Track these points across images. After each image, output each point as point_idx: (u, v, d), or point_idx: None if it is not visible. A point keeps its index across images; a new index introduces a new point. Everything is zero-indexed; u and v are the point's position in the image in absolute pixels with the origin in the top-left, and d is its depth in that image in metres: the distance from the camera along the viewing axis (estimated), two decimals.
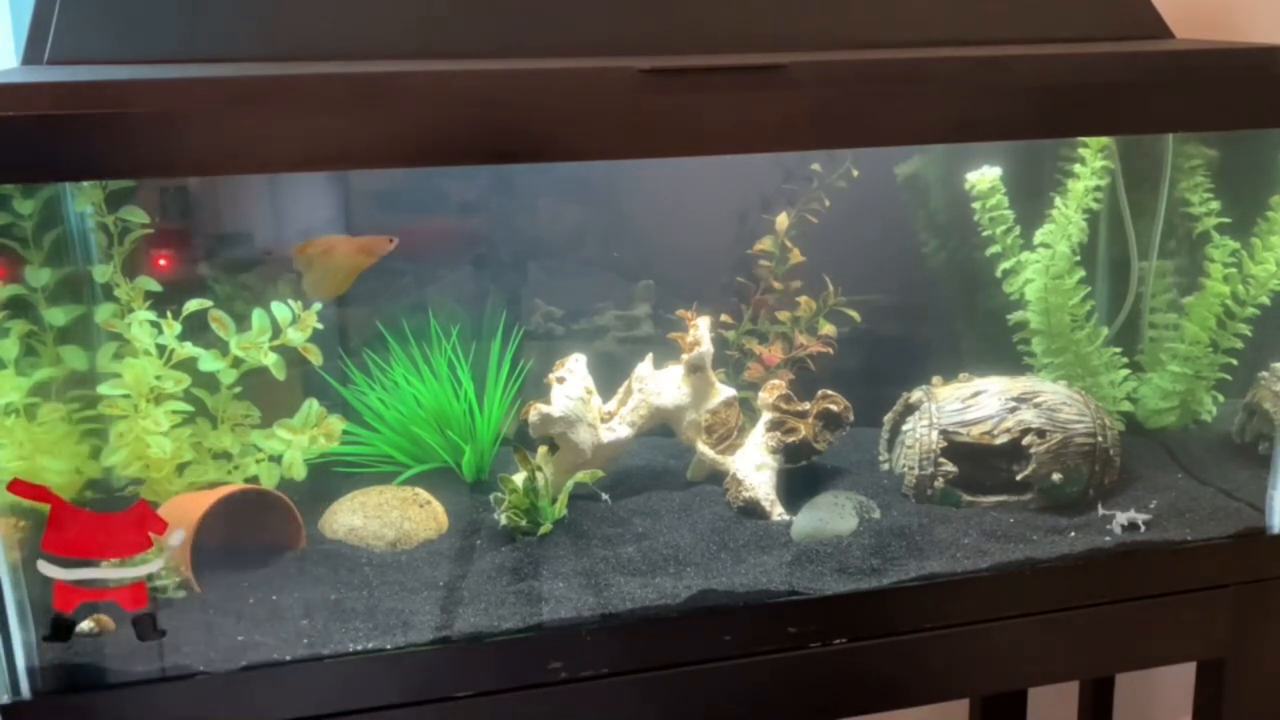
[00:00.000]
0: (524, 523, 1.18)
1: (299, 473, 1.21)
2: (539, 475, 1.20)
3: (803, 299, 1.38)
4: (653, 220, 1.42)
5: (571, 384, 1.26)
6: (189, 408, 1.18)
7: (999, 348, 1.41)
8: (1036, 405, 1.25)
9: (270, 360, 1.18)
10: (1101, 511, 1.22)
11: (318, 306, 1.20)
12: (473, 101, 0.94)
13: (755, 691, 1.10)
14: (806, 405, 1.29)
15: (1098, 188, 1.33)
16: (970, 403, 1.27)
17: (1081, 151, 1.33)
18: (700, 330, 1.28)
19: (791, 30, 1.19)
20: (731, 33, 1.17)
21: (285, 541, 1.17)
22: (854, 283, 1.39)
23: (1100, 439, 1.24)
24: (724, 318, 1.38)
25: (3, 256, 1.10)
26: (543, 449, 1.24)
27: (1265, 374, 1.35)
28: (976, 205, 1.35)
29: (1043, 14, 1.25)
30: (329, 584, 1.11)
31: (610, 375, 1.31)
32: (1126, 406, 1.41)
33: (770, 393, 1.29)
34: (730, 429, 1.31)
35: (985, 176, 1.33)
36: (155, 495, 1.16)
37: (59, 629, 0.98)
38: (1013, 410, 1.25)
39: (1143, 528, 1.20)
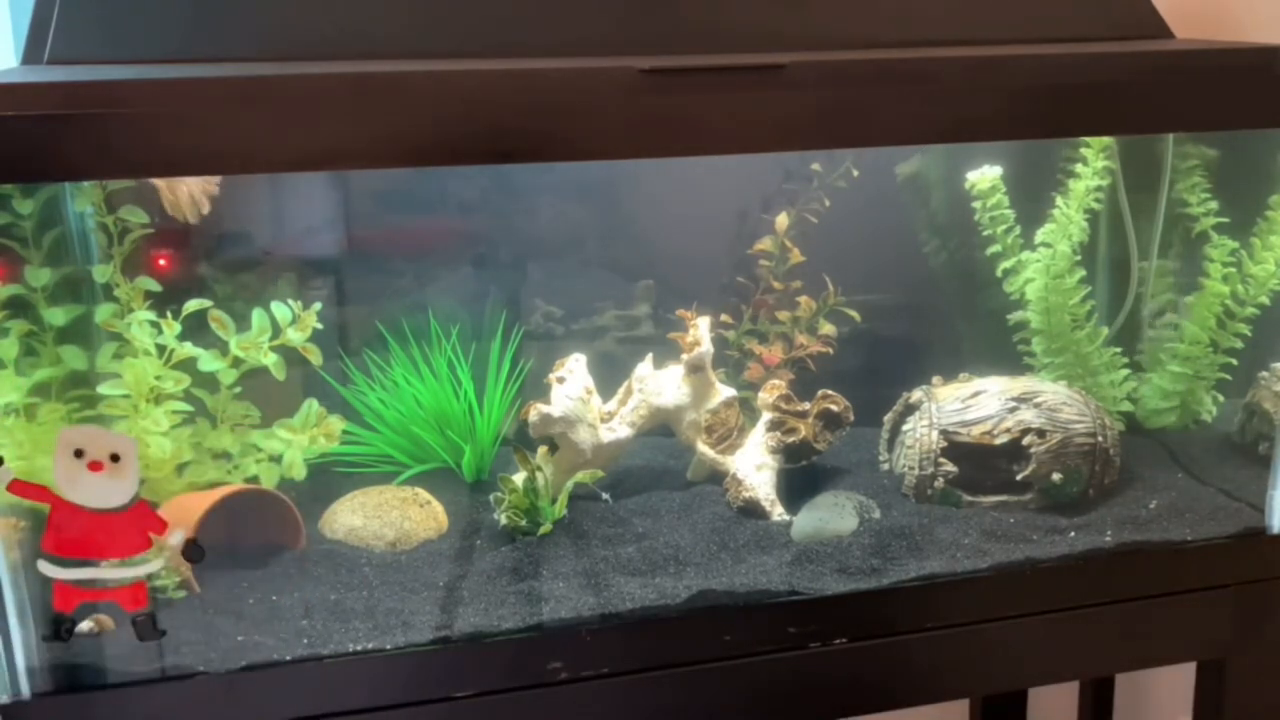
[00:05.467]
0: (524, 523, 1.18)
1: (299, 473, 1.21)
2: (539, 475, 1.20)
3: (803, 299, 1.38)
4: (653, 220, 1.42)
5: (571, 384, 1.25)
6: (189, 408, 1.18)
7: (999, 348, 1.41)
8: (1036, 405, 1.25)
9: (270, 360, 1.18)
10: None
11: (317, 306, 1.21)
12: (473, 101, 0.94)
13: (755, 691, 1.10)
14: (806, 405, 1.29)
15: (1099, 188, 1.33)
16: (970, 403, 1.27)
17: (1083, 151, 1.33)
18: (700, 330, 1.28)
19: (791, 30, 1.19)
20: (731, 33, 1.17)
21: (285, 541, 1.17)
22: (854, 283, 1.39)
23: (1100, 439, 1.24)
24: (724, 318, 1.38)
25: (3, 256, 1.10)
26: (543, 449, 1.24)
27: (1265, 374, 1.35)
28: (977, 205, 1.35)
29: (1043, 14, 1.25)
30: (329, 584, 1.11)
31: (610, 375, 1.31)
32: (1126, 406, 1.41)
33: (770, 393, 1.29)
34: (730, 429, 1.31)
35: (986, 176, 1.33)
36: (155, 495, 1.16)
37: (59, 629, 0.97)
38: (1013, 410, 1.25)
39: None
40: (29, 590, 0.99)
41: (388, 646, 1.03)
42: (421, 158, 0.98)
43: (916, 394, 1.31)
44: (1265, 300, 1.34)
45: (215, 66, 1.00)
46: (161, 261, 1.20)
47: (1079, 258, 1.34)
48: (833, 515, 1.21)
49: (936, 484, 1.24)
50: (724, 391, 1.31)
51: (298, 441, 1.21)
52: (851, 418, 1.30)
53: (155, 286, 1.16)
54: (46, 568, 0.96)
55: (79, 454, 0.95)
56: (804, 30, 1.19)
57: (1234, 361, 1.38)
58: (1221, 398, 1.41)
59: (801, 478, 1.29)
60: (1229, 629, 1.20)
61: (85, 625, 1.00)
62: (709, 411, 1.30)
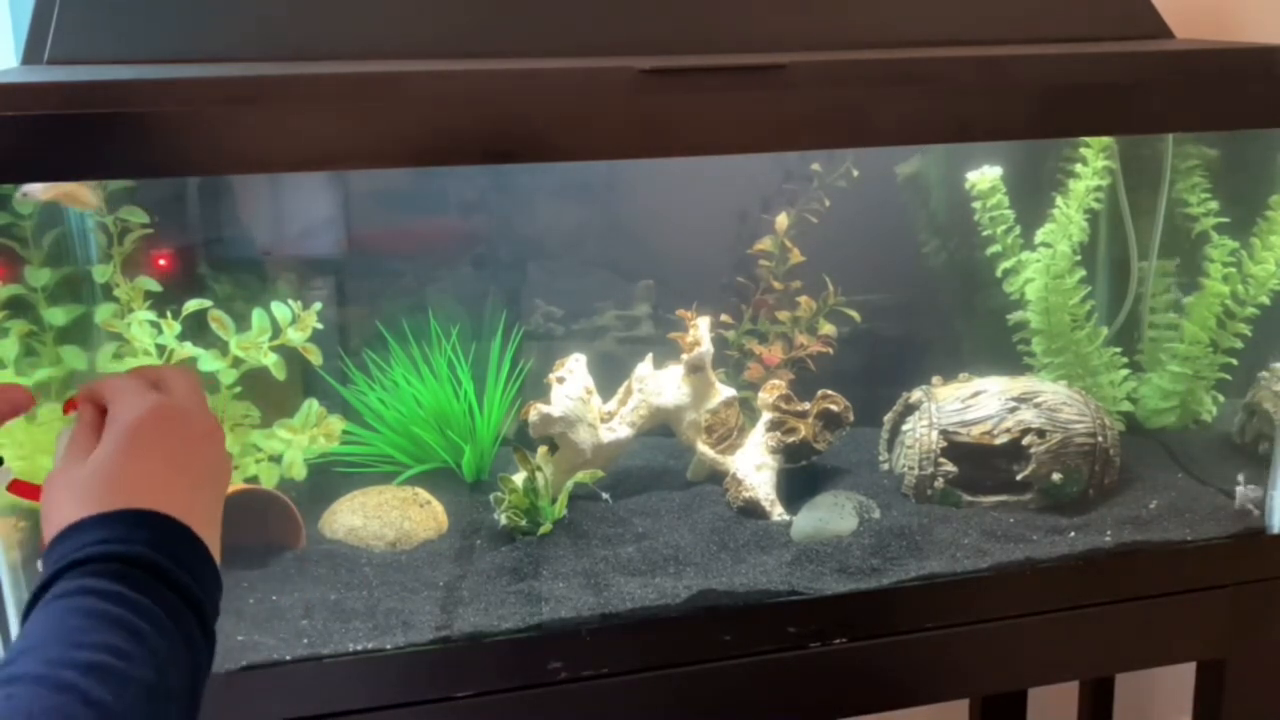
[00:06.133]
0: (524, 523, 1.18)
1: (299, 473, 1.21)
2: (539, 475, 1.20)
3: (803, 299, 1.38)
4: (653, 220, 1.42)
5: (571, 384, 1.26)
6: None
7: (999, 348, 1.41)
8: (1036, 405, 1.25)
9: (270, 360, 1.18)
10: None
11: (318, 306, 1.21)
12: (473, 101, 0.94)
13: (755, 691, 1.10)
14: (806, 405, 1.29)
15: (1099, 188, 1.33)
16: (970, 403, 1.27)
17: (1083, 151, 1.33)
18: (700, 330, 1.28)
19: (791, 30, 1.19)
20: (731, 33, 1.17)
21: (285, 541, 1.17)
22: (854, 283, 1.39)
23: (1100, 439, 1.24)
24: (724, 318, 1.38)
25: (3, 256, 1.10)
26: (543, 449, 1.24)
27: (1265, 374, 1.35)
28: (977, 205, 1.35)
29: (1043, 14, 1.25)
30: (329, 584, 1.11)
31: (610, 375, 1.31)
32: (1126, 406, 1.41)
33: (770, 393, 1.29)
34: (730, 429, 1.31)
35: (986, 176, 1.33)
36: None
37: None
38: (1013, 410, 1.25)
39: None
40: (29, 590, 0.99)
41: (388, 646, 1.03)
42: (421, 158, 0.98)
43: (916, 394, 1.31)
44: (1265, 300, 1.34)
45: (215, 66, 1.00)
46: (162, 261, 1.20)
47: (1079, 258, 1.34)
48: (833, 515, 1.21)
49: (936, 484, 1.24)
50: (724, 391, 1.31)
51: (298, 441, 1.21)
52: (851, 418, 1.30)
53: (155, 286, 1.16)
54: None
55: None
56: (804, 30, 1.19)
57: (1234, 361, 1.38)
58: (1221, 398, 1.41)
59: (801, 478, 1.29)
60: (1229, 629, 1.20)
61: None
62: (709, 411, 1.30)
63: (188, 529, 0.66)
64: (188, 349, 1.16)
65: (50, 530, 0.66)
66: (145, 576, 0.62)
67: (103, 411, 0.75)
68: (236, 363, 1.18)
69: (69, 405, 0.79)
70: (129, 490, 0.66)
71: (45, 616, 0.60)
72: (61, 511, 0.66)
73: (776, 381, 1.30)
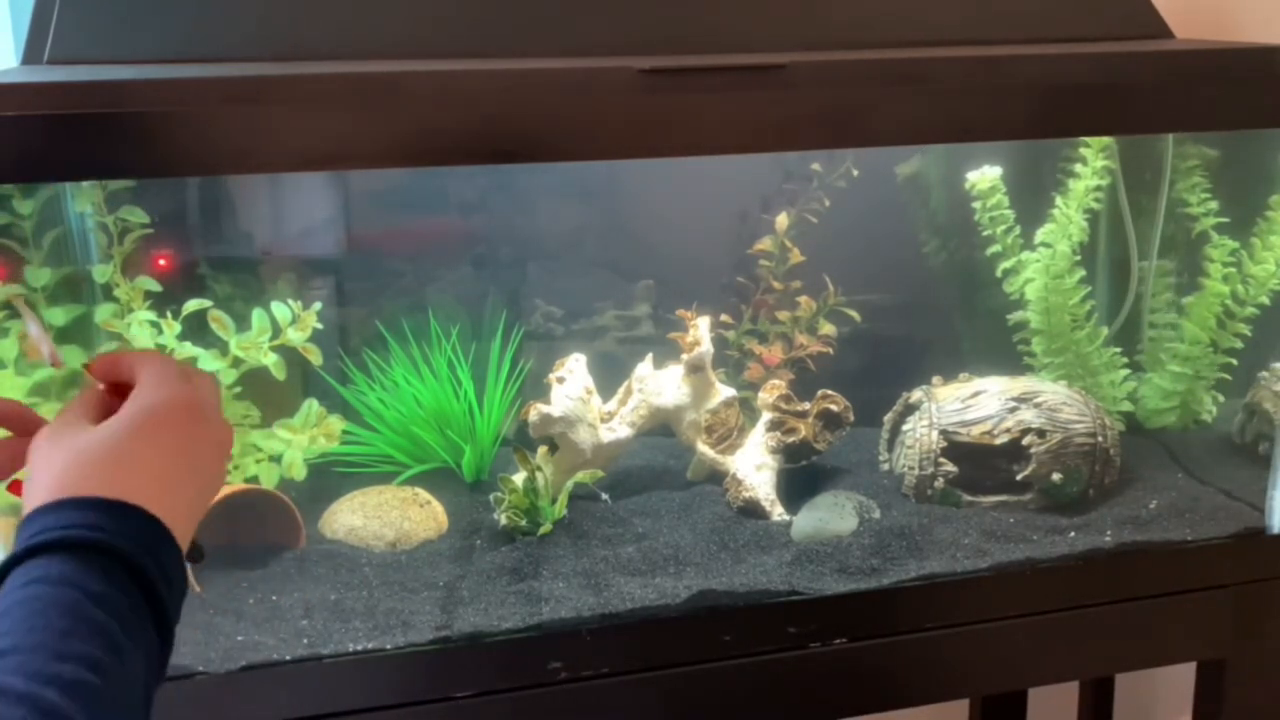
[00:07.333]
0: (524, 523, 1.18)
1: (299, 473, 1.21)
2: (539, 475, 1.20)
3: (803, 299, 1.38)
4: (653, 220, 1.42)
5: (571, 384, 1.26)
6: None
7: (999, 348, 1.41)
8: (1037, 405, 1.25)
9: (270, 360, 1.18)
10: None
11: (318, 306, 1.21)
12: (473, 101, 0.94)
13: (755, 691, 1.10)
14: (806, 405, 1.29)
15: (1098, 187, 1.33)
16: (970, 403, 1.27)
17: (1083, 151, 1.33)
18: (700, 330, 1.28)
19: (791, 30, 1.19)
20: (731, 33, 1.17)
21: (285, 541, 1.17)
22: (854, 283, 1.39)
23: (1100, 439, 1.24)
24: (724, 318, 1.38)
25: (2, 256, 1.10)
26: (543, 449, 1.24)
27: (1265, 374, 1.35)
28: (977, 205, 1.35)
29: (1043, 14, 1.25)
30: (329, 584, 1.11)
31: (610, 375, 1.31)
32: (1126, 406, 1.41)
33: (770, 393, 1.29)
34: (730, 429, 1.31)
35: (986, 176, 1.33)
36: None
37: None
38: (1013, 410, 1.25)
39: None
40: None
41: (388, 646, 1.03)
42: (421, 158, 0.98)
43: (916, 394, 1.31)
44: (1265, 300, 1.34)
45: (215, 66, 1.00)
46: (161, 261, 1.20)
47: (1079, 258, 1.34)
48: (833, 515, 1.21)
49: (936, 484, 1.24)
50: (724, 391, 1.31)
51: (298, 441, 1.21)
52: (851, 418, 1.30)
53: (155, 286, 1.16)
54: None
55: None
56: (804, 30, 1.19)
57: (1234, 361, 1.38)
58: (1221, 398, 1.41)
59: (801, 478, 1.29)
60: (1229, 629, 1.20)
61: None
62: (709, 411, 1.30)
63: (173, 539, 0.64)
64: (188, 349, 1.16)
65: (39, 491, 0.63)
66: (129, 581, 0.60)
67: (116, 386, 0.72)
68: (236, 363, 1.18)
69: (89, 368, 0.77)
70: (131, 480, 0.63)
71: (26, 602, 0.57)
72: (54, 474, 0.63)
73: (776, 381, 1.30)
